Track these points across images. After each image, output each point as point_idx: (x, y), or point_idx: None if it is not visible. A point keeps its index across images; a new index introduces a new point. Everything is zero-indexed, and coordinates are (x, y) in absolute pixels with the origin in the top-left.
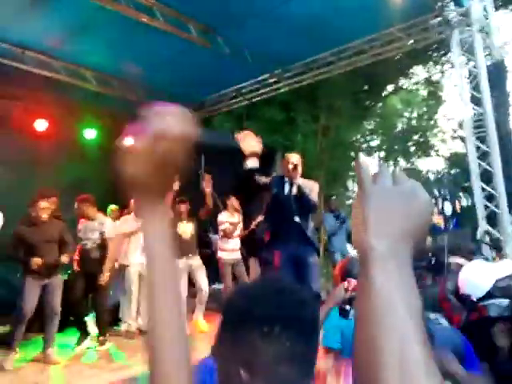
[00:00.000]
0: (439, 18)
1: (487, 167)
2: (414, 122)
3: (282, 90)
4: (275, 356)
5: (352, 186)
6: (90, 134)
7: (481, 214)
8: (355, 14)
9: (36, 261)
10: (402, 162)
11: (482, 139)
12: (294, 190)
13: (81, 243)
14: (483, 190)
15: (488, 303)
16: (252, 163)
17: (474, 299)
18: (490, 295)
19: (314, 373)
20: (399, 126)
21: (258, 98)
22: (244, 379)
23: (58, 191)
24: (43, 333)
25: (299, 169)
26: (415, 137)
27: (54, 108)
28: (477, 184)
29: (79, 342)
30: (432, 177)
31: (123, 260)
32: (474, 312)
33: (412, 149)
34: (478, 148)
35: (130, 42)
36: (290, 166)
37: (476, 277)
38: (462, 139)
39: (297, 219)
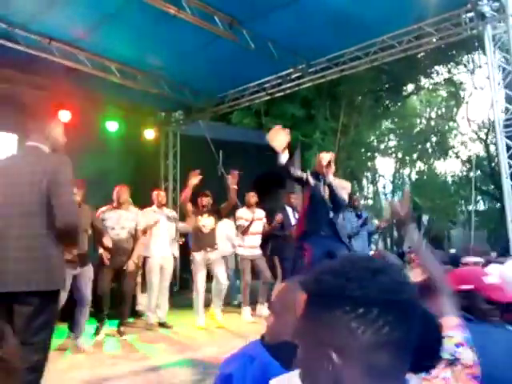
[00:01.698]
0: (471, 13)
1: None
2: (433, 123)
3: (305, 86)
4: (371, 341)
5: (367, 186)
6: (112, 126)
7: (510, 215)
8: (383, 8)
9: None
10: (420, 164)
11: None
12: (326, 188)
13: (111, 232)
14: None
15: None
16: (285, 158)
17: None
18: None
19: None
20: (418, 127)
21: (281, 94)
22: (336, 364)
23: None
24: (71, 322)
25: (332, 166)
26: (434, 138)
27: (78, 99)
28: (506, 184)
29: (98, 332)
30: (450, 179)
31: (144, 252)
32: None
33: (430, 150)
34: (508, 148)
35: (155, 34)
36: (324, 163)
37: None
38: (484, 141)
39: (331, 215)
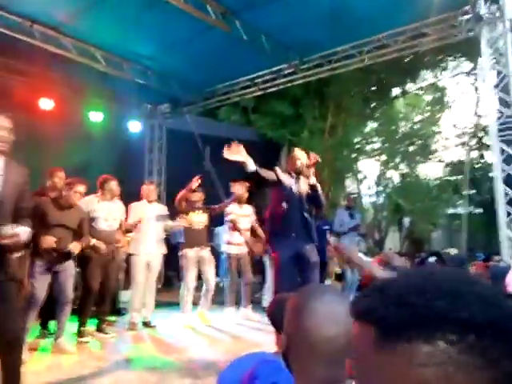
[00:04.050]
0: (468, 15)
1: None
2: (416, 127)
3: (298, 82)
4: (490, 379)
5: (351, 186)
6: (97, 116)
7: (503, 219)
8: (380, 6)
9: (49, 240)
10: (403, 167)
11: (508, 143)
12: (304, 187)
13: (104, 223)
14: (506, 194)
15: None
16: (251, 164)
17: None
18: None
19: None
20: (402, 130)
21: (273, 89)
22: None
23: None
24: (45, 320)
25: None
26: (418, 142)
27: (61, 87)
28: (500, 188)
29: (80, 332)
30: (432, 182)
31: (131, 249)
32: None
33: (413, 153)
34: (502, 151)
35: (144, 21)
36: (299, 163)
37: None
38: (468, 145)
39: (306, 215)
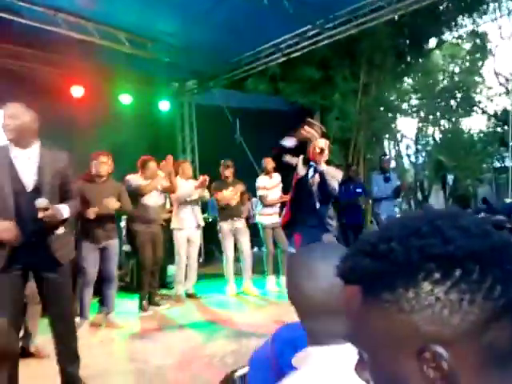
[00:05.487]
0: None
1: None
2: (457, 78)
3: (324, 43)
4: (484, 312)
5: (389, 148)
6: (126, 99)
7: None
8: None
9: (91, 210)
10: (443, 122)
11: None
12: (317, 176)
13: (146, 200)
14: None
15: None
16: (288, 142)
17: None
18: None
19: None
20: (441, 83)
21: (298, 54)
22: (444, 361)
23: None
24: (100, 297)
25: (325, 153)
26: (458, 94)
27: (89, 74)
28: None
29: (144, 308)
30: (476, 136)
31: (173, 224)
32: None
33: (454, 107)
34: None
35: None
36: (317, 150)
37: None
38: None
39: (317, 205)
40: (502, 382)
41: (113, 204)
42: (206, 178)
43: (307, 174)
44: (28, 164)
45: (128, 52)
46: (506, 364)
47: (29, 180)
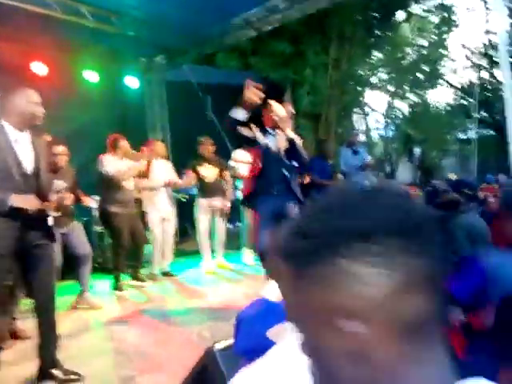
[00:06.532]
0: None
1: None
2: (424, 52)
3: (295, 16)
4: (397, 284)
5: (359, 122)
6: (92, 76)
7: None
8: None
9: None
10: (411, 96)
11: None
12: (283, 143)
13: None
14: None
15: None
16: (238, 114)
17: None
18: None
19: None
20: (409, 57)
21: (269, 28)
22: (357, 332)
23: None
24: (77, 278)
25: (290, 120)
26: (426, 67)
27: (51, 50)
28: (510, 107)
29: (117, 286)
30: (442, 109)
31: (145, 207)
32: None
33: (422, 80)
34: None
35: None
36: (276, 118)
37: None
38: (478, 66)
39: (286, 172)
40: (414, 351)
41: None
42: (177, 182)
43: (268, 143)
44: (26, 148)
45: (92, 26)
46: (417, 333)
47: (27, 163)
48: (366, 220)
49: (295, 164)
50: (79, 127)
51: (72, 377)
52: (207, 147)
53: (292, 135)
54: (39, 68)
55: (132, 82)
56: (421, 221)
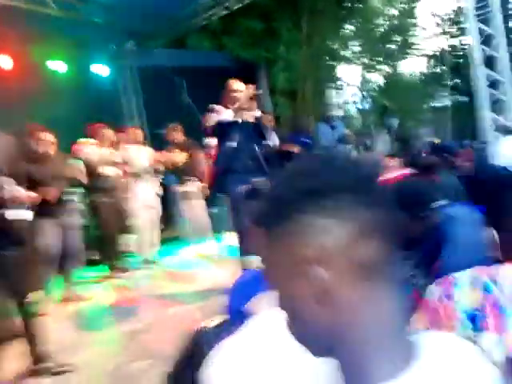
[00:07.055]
0: None
1: (493, 53)
2: (395, 22)
3: None
4: (352, 232)
5: (336, 96)
6: (60, 66)
7: (486, 102)
8: None
9: (46, 191)
10: (385, 67)
11: (486, 22)
12: (250, 119)
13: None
14: (488, 76)
15: None
16: (226, 115)
17: None
18: None
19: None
20: (381, 27)
21: (239, 5)
22: (322, 278)
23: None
24: (64, 272)
25: (254, 101)
26: (397, 38)
27: (16, 41)
28: (480, 71)
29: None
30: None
31: (129, 195)
32: None
33: (394, 51)
34: (480, 32)
35: None
36: (237, 96)
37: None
38: (448, 33)
39: (257, 148)
40: (372, 291)
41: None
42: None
43: (237, 121)
44: None
45: (56, 15)
46: (374, 275)
47: None
48: (322, 181)
49: (264, 141)
50: (50, 119)
51: (65, 368)
52: (174, 133)
53: (259, 114)
54: (3, 61)
55: (102, 69)
56: (367, 179)
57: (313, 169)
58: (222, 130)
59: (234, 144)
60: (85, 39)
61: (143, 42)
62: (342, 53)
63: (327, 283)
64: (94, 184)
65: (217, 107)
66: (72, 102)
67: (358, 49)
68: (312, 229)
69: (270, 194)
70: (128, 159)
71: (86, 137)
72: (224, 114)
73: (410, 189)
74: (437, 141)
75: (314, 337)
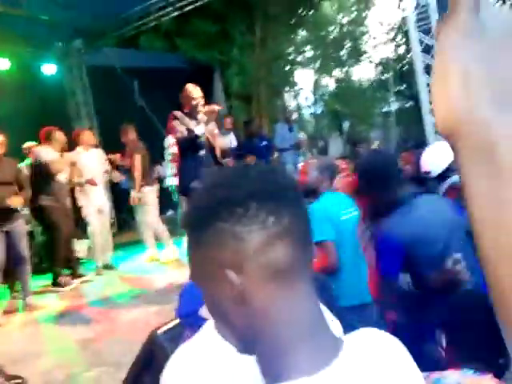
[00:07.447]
0: None
1: (432, 61)
2: (345, 29)
3: None
4: (263, 239)
5: (290, 100)
6: (3, 64)
7: (426, 107)
8: None
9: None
10: (336, 72)
11: (425, 32)
12: (202, 129)
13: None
14: (427, 84)
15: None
16: (198, 130)
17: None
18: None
19: (313, 251)
20: (332, 34)
21: (190, 7)
22: (235, 281)
23: None
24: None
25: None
26: (347, 44)
27: None
28: (421, 79)
29: (56, 282)
30: (366, 84)
31: (81, 201)
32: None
33: (345, 57)
34: (421, 42)
35: None
36: (195, 102)
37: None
38: (395, 41)
39: (202, 153)
40: (285, 291)
41: (17, 202)
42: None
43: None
44: None
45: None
46: (284, 278)
47: None
48: (240, 190)
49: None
50: None
51: (16, 381)
52: (127, 134)
53: (215, 131)
54: None
55: (48, 68)
56: (281, 189)
57: (234, 180)
58: (192, 141)
59: (202, 153)
60: (30, 36)
61: (92, 40)
62: (295, 57)
63: (241, 286)
64: (44, 188)
65: (179, 115)
66: (16, 102)
67: (310, 54)
68: (227, 235)
69: (193, 201)
70: (79, 162)
71: (33, 138)
72: (196, 130)
73: (383, 161)
74: (377, 144)
75: (237, 336)
